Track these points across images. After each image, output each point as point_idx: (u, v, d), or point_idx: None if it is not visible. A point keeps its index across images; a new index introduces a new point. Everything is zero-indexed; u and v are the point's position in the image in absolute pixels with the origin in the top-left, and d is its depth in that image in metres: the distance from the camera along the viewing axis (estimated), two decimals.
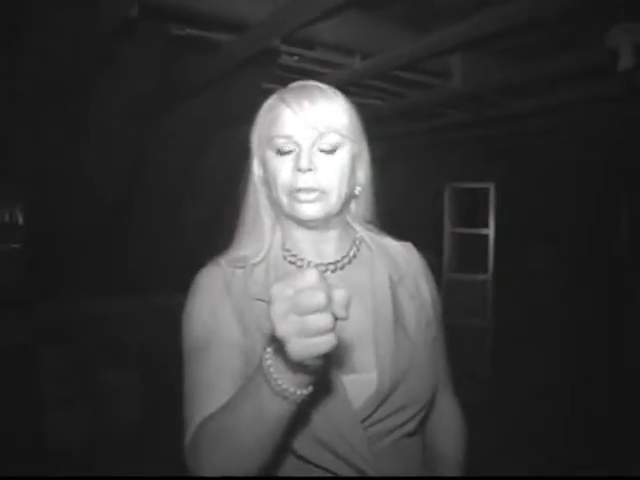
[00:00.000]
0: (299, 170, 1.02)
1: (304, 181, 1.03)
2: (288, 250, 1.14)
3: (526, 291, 7.03)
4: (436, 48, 2.77)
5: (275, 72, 3.40)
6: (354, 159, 1.09)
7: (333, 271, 1.12)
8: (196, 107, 3.90)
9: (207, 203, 4.82)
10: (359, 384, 1.04)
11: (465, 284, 5.68)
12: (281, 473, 1.03)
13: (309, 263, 1.11)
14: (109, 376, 4.21)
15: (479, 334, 5.59)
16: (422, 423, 1.15)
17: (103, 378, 4.21)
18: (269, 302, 0.74)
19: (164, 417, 1.11)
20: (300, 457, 1.02)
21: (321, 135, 1.02)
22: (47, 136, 3.79)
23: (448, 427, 1.27)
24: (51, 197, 4.18)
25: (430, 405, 1.15)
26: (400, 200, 6.60)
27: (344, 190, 1.07)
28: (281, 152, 1.05)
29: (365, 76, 3.23)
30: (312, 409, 1.00)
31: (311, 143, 1.03)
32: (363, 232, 1.19)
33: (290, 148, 1.04)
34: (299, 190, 1.03)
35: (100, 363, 4.30)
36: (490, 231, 5.57)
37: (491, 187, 5.55)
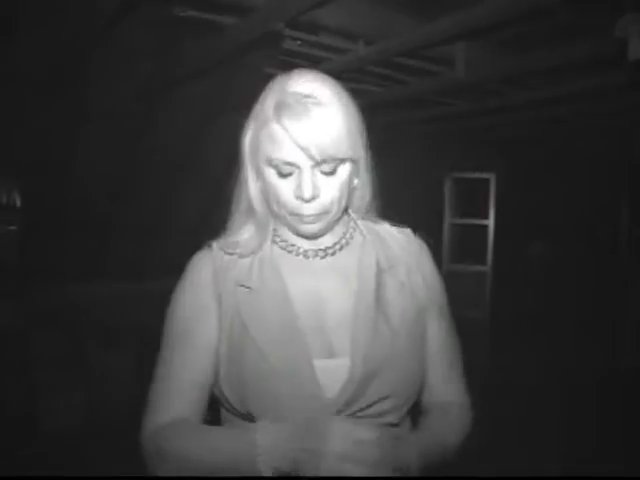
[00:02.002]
0: (302, 199, 1.00)
1: (307, 209, 1.02)
2: (279, 235, 1.15)
3: (525, 283, 7.03)
4: (440, 35, 2.74)
5: (278, 56, 3.37)
6: (354, 169, 1.06)
7: (322, 257, 1.13)
8: (197, 90, 3.86)
9: (206, 187, 4.79)
10: (331, 368, 1.05)
11: (464, 275, 5.67)
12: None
13: (299, 249, 1.13)
14: (103, 360, 4.21)
15: (477, 325, 5.58)
16: (408, 414, 1.15)
17: (97, 362, 4.21)
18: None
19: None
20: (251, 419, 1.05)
21: (323, 160, 0.98)
22: (45, 118, 3.76)
23: (450, 423, 1.20)
24: (48, 180, 4.15)
25: (417, 398, 1.15)
26: (400, 189, 6.56)
27: (344, 200, 1.07)
28: (281, 174, 1.01)
29: (368, 62, 3.20)
30: (282, 391, 1.02)
31: (312, 167, 0.99)
32: (359, 219, 1.18)
33: (290, 171, 1.00)
34: (303, 215, 1.03)
35: (94, 347, 4.30)
36: (490, 222, 5.56)
37: (492, 178, 5.53)
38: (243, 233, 1.12)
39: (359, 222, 1.17)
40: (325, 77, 1.03)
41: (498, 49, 3.29)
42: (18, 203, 4.15)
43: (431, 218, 5.93)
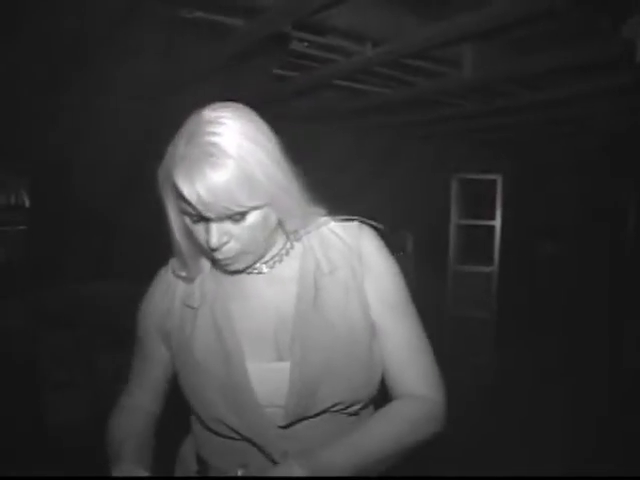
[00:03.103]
0: (210, 248, 1.02)
1: (219, 254, 1.04)
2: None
3: (532, 284, 7.02)
4: (447, 37, 2.74)
5: (285, 58, 3.37)
6: (266, 210, 1.03)
7: (260, 272, 1.15)
8: (204, 92, 3.87)
9: None
10: (273, 371, 1.08)
11: (471, 276, 5.66)
12: (198, 440, 1.20)
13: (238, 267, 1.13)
14: (108, 358, 4.22)
15: (484, 326, 5.58)
16: (363, 408, 1.16)
17: (103, 360, 4.22)
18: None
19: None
20: (210, 430, 1.13)
21: (223, 215, 0.98)
22: (52, 119, 3.78)
23: (401, 414, 1.14)
24: (56, 180, 4.17)
25: (374, 393, 1.16)
26: (407, 190, 6.57)
27: (262, 239, 1.07)
28: (192, 220, 1.02)
29: (376, 63, 3.20)
30: (216, 394, 1.08)
31: (218, 219, 0.99)
32: (298, 228, 1.16)
33: (198, 220, 1.01)
34: (217, 259, 1.06)
35: (100, 346, 4.31)
36: (497, 223, 5.54)
37: (499, 178, 5.52)
38: (182, 260, 1.16)
39: (300, 230, 1.15)
40: (235, 118, 0.99)
41: (505, 50, 3.29)
42: (26, 204, 4.17)
43: (438, 219, 5.93)
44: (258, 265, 1.14)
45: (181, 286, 1.18)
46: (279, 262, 1.15)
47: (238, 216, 0.99)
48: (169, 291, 1.20)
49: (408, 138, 6.01)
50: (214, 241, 0.99)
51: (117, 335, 4.44)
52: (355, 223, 1.19)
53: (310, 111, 4.57)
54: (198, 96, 3.86)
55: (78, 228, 4.38)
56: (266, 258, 1.14)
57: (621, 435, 3.91)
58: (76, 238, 4.41)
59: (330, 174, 5.55)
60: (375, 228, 1.21)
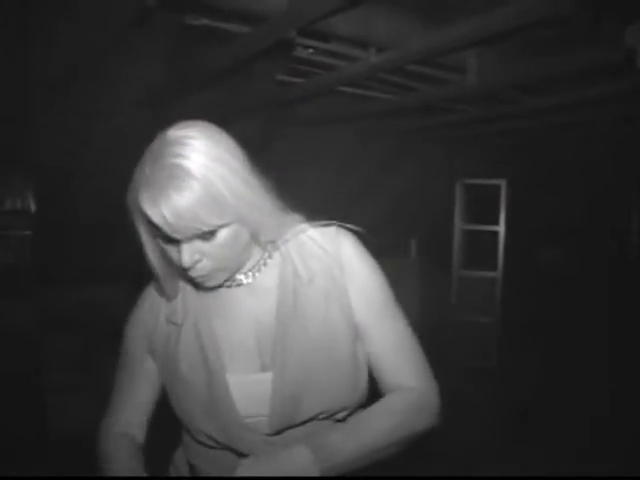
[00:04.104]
0: (182, 268, 1.02)
1: (193, 272, 1.04)
2: None
3: (536, 289, 7.01)
4: (452, 43, 2.75)
5: (290, 64, 3.39)
6: (236, 226, 1.03)
7: (239, 284, 1.15)
8: (209, 98, 3.89)
9: None
10: (253, 383, 1.09)
11: (475, 281, 5.67)
12: (188, 448, 1.22)
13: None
14: (113, 362, 4.23)
15: (488, 331, 5.58)
16: (351, 414, 1.16)
17: (107, 364, 4.23)
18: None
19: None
20: (197, 440, 1.15)
21: (191, 235, 0.98)
22: (59, 124, 3.80)
23: (390, 406, 1.14)
24: (62, 185, 4.19)
25: (361, 399, 1.16)
26: (411, 195, 6.58)
27: (235, 255, 1.06)
28: (163, 241, 1.03)
29: (380, 70, 3.21)
30: (197, 407, 1.10)
31: (187, 239, 0.99)
32: (274, 239, 1.15)
33: (169, 241, 1.01)
34: (191, 276, 1.06)
35: (104, 349, 4.32)
36: (501, 228, 5.55)
37: (503, 184, 5.53)
38: (160, 278, 1.15)
39: (277, 240, 1.15)
40: (199, 138, 1.00)
41: (510, 56, 3.30)
42: (32, 208, 4.19)
43: (442, 224, 5.94)
44: (237, 277, 1.14)
45: (164, 302, 1.19)
46: (258, 272, 1.15)
47: (208, 235, 0.99)
48: (154, 307, 1.21)
49: (412, 143, 6.01)
50: (186, 260, 0.99)
51: (121, 338, 4.46)
52: (333, 228, 1.18)
53: (314, 116, 4.58)
54: (202, 102, 3.90)
55: (83, 232, 4.40)
56: (244, 270, 1.14)
57: (622, 435, 3.92)
58: (81, 242, 4.43)
59: (334, 179, 5.57)
60: (354, 231, 1.20)
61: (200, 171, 0.95)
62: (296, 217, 1.15)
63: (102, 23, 2.76)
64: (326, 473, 0.99)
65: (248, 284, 1.15)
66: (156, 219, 0.95)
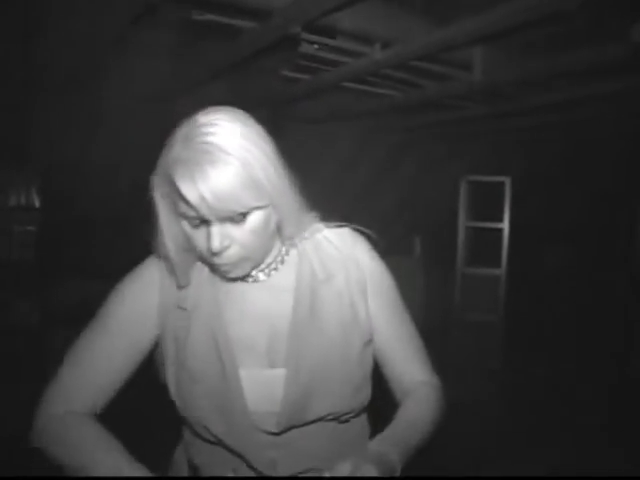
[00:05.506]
0: (211, 252, 0.99)
1: (219, 259, 1.00)
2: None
3: (539, 287, 7.00)
4: (457, 39, 2.75)
5: (295, 60, 3.38)
6: (267, 211, 1.01)
7: (256, 280, 1.13)
8: (213, 93, 3.89)
9: None
10: (266, 378, 1.07)
11: (479, 278, 5.66)
12: (189, 447, 1.15)
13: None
14: None
15: (491, 328, 5.57)
16: (355, 417, 1.16)
17: None
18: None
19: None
20: (198, 436, 1.10)
21: (221, 217, 0.96)
22: (63, 120, 3.80)
23: (426, 408, 1.16)
24: (66, 180, 4.20)
25: (368, 399, 1.16)
26: (415, 192, 6.57)
27: (265, 242, 1.05)
28: (191, 224, 0.99)
29: (385, 66, 3.20)
30: (204, 399, 1.06)
31: (219, 221, 0.96)
32: (294, 235, 1.14)
33: (198, 223, 0.98)
34: (217, 264, 1.02)
35: None
36: (505, 226, 5.53)
37: (507, 181, 5.51)
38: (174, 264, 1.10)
39: (295, 237, 1.14)
40: (230, 120, 0.98)
41: (515, 53, 3.29)
42: (37, 204, 4.21)
43: (446, 221, 5.93)
44: (254, 273, 1.12)
45: (175, 287, 1.13)
46: (274, 270, 1.14)
47: (240, 216, 0.97)
48: (165, 288, 1.13)
49: (417, 140, 6.00)
50: (216, 245, 0.96)
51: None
52: (347, 230, 1.19)
53: (319, 112, 4.58)
54: (208, 98, 3.90)
55: (87, 228, 4.41)
56: (262, 266, 1.13)
57: (622, 436, 3.91)
58: (86, 238, 4.44)
59: (338, 175, 5.57)
60: (365, 234, 1.21)
61: (236, 150, 0.94)
62: (313, 216, 1.16)
63: (107, 19, 2.76)
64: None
65: (263, 281, 1.13)
66: (192, 197, 0.92)
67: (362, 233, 1.21)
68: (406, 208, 6.52)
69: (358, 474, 0.88)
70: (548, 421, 4.27)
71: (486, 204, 5.68)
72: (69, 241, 4.39)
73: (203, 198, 0.92)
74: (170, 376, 1.09)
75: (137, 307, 1.12)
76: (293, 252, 1.16)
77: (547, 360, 5.59)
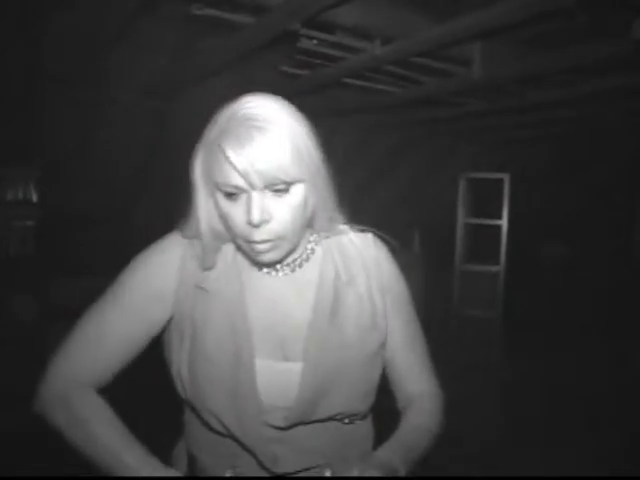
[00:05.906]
0: (251, 224, 0.98)
1: (258, 234, 0.99)
2: (241, 245, 1.10)
3: (538, 283, 7.01)
4: (457, 35, 2.75)
5: (295, 56, 3.38)
6: (309, 188, 1.03)
7: (283, 274, 1.13)
8: (213, 88, 3.89)
9: None
10: (279, 371, 1.08)
11: (477, 275, 5.67)
12: (189, 436, 1.16)
13: (259, 265, 1.11)
14: None
15: (490, 325, 5.58)
16: (361, 418, 1.16)
17: None
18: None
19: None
20: (202, 424, 1.10)
21: (266, 185, 0.96)
22: (62, 115, 3.80)
23: (429, 416, 1.21)
24: (65, 175, 4.19)
25: (374, 401, 1.16)
26: (414, 188, 6.57)
27: (300, 223, 1.05)
28: (230, 198, 0.99)
29: (384, 62, 3.20)
30: (216, 386, 1.05)
31: (260, 190, 0.97)
32: (321, 233, 1.16)
33: (238, 193, 0.98)
34: (254, 241, 1.01)
35: None
36: (504, 222, 5.54)
37: (506, 178, 5.51)
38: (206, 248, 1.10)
39: (321, 234, 1.16)
40: (273, 100, 1.02)
41: (514, 49, 3.29)
42: (34, 198, 4.20)
43: (445, 217, 5.93)
44: (279, 267, 1.13)
45: (197, 268, 1.11)
46: (299, 267, 1.14)
47: (283, 185, 0.97)
48: (185, 269, 1.11)
49: (416, 136, 6.00)
50: (256, 215, 0.96)
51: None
52: (370, 235, 1.21)
53: (319, 108, 4.58)
54: (207, 93, 3.90)
55: (86, 222, 4.40)
56: (288, 260, 1.13)
57: (623, 435, 3.92)
58: (84, 233, 4.44)
59: (337, 172, 5.56)
60: (385, 241, 1.23)
61: (281, 121, 0.98)
62: (341, 216, 1.17)
63: (108, 14, 2.75)
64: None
65: (287, 276, 1.13)
66: (239, 162, 0.93)
67: (383, 239, 1.23)
68: (405, 204, 6.52)
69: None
70: (547, 418, 4.28)
71: (485, 201, 5.69)
72: (68, 236, 4.39)
73: (250, 162, 0.94)
74: (184, 354, 1.07)
75: (154, 285, 1.11)
76: (318, 250, 1.17)
77: (545, 356, 5.59)
